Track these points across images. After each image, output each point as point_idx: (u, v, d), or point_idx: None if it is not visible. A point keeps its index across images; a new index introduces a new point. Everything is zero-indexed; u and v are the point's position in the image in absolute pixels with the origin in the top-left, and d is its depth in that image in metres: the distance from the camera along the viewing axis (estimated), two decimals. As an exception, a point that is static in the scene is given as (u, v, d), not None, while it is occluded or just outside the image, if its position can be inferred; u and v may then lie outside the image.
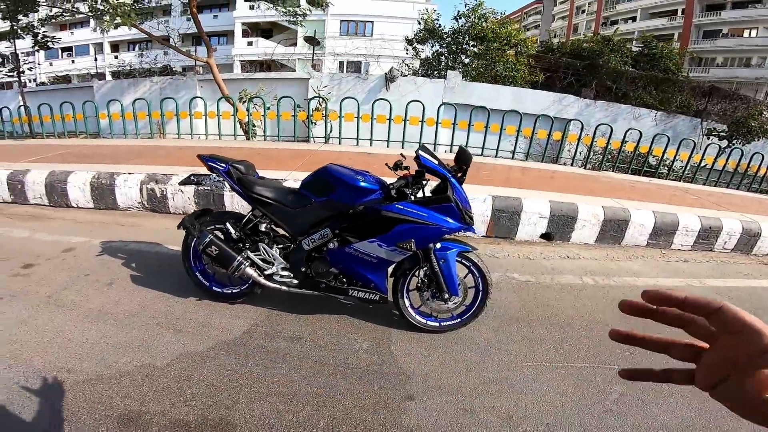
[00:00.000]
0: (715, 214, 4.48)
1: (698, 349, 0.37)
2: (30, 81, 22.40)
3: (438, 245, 2.19)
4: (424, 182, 2.17)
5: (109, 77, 20.56)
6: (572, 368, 2.12)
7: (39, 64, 26.56)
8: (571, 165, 7.18)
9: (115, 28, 8.15)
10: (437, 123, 6.62)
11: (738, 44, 27.16)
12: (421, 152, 2.04)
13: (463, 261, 2.27)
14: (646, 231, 4.06)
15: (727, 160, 7.32)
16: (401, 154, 2.17)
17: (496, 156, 6.85)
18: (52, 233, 3.45)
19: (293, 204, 2.22)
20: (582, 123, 6.97)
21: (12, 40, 8.79)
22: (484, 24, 11.57)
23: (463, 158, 2.10)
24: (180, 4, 8.33)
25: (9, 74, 11.00)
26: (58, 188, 4.16)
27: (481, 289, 2.29)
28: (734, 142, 9.20)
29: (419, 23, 12.87)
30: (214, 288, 2.47)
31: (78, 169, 4.32)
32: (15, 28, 8.37)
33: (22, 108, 7.97)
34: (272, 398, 1.78)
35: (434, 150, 6.26)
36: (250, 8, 23.94)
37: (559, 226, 3.96)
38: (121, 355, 1.97)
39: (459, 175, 2.10)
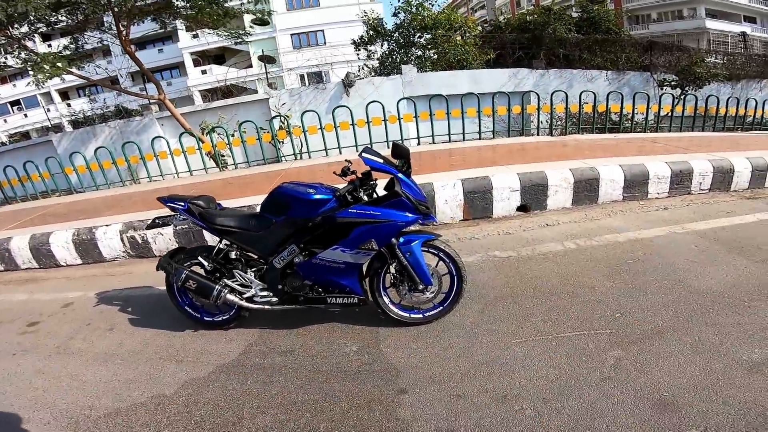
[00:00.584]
0: (682, 157, 4.55)
1: None
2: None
3: (401, 240, 2.24)
4: (373, 182, 2.23)
5: (68, 127, 20.03)
6: (563, 338, 2.13)
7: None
8: (538, 135, 7.37)
9: (50, 78, 7.96)
10: (399, 119, 6.70)
11: (662, -2, 28.09)
12: (364, 154, 2.10)
13: (430, 250, 2.33)
14: (619, 185, 4.19)
15: (684, 107, 7.62)
16: (346, 160, 2.23)
17: (464, 140, 6.97)
18: (49, 292, 3.65)
19: (256, 228, 2.30)
20: (538, 94, 7.15)
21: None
22: (424, 13, 11.71)
23: (399, 152, 2.17)
24: (119, 44, 8.12)
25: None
26: (43, 250, 4.19)
27: (454, 273, 2.35)
28: (687, 89, 9.57)
29: (364, 24, 12.93)
30: (205, 318, 2.59)
31: (57, 229, 4.32)
32: None
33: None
34: (273, 410, 1.87)
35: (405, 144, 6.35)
36: (194, 37, 23.66)
37: (533, 196, 4.08)
38: (132, 389, 2.14)
39: (405, 168, 2.17)
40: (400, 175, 2.13)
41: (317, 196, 2.17)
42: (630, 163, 4.36)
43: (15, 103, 28.34)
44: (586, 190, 4.16)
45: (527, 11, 17.86)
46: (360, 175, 2.21)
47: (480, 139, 7.04)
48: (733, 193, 4.37)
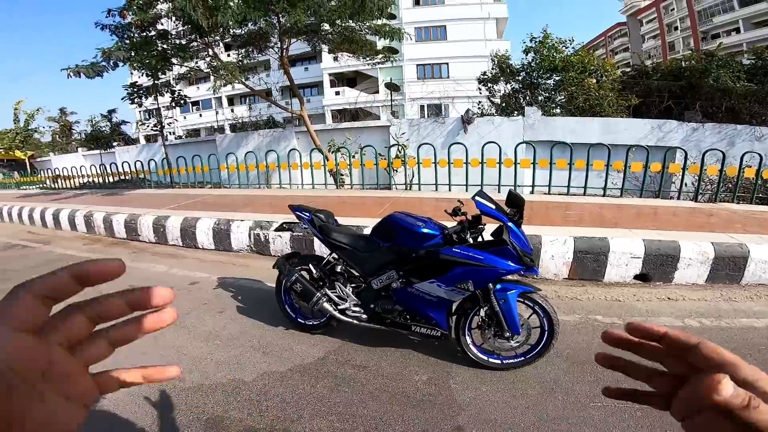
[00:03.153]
0: None
1: (677, 381, 0.38)
2: (170, 135, 27.04)
3: (498, 286, 2.25)
4: (481, 226, 2.29)
5: (228, 130, 24.08)
6: (650, 412, 1.89)
7: (176, 119, 32.20)
8: (678, 198, 6.48)
9: (225, 85, 9.66)
10: (515, 163, 6.56)
11: None
12: (477, 198, 2.16)
13: (525, 301, 2.29)
14: (774, 269, 3.51)
15: None
16: (459, 200, 2.34)
17: (584, 194, 6.49)
18: (183, 269, 4.35)
19: (364, 248, 2.52)
20: (686, 151, 6.30)
21: (156, 98, 10.81)
22: (555, 55, 11.27)
23: (514, 201, 2.20)
24: (278, 60, 9.59)
25: (154, 129, 13.40)
26: (189, 232, 5.15)
27: (546, 329, 2.27)
28: None
29: (492, 61, 12.94)
30: (299, 319, 2.88)
31: (204, 216, 5.26)
32: (157, 85, 10.20)
33: (165, 161, 10.01)
34: (331, 416, 1.99)
35: (518, 192, 6.19)
36: (334, 59, 26.53)
37: (657, 266, 3.63)
38: (219, 369, 2.41)
39: (516, 218, 2.18)
40: (510, 224, 2.16)
41: (425, 230, 2.32)
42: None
43: (194, 103, 34.91)
44: (728, 267, 3.55)
45: (683, 56, 15.88)
46: (470, 218, 2.30)
47: (604, 195, 6.48)
48: None
